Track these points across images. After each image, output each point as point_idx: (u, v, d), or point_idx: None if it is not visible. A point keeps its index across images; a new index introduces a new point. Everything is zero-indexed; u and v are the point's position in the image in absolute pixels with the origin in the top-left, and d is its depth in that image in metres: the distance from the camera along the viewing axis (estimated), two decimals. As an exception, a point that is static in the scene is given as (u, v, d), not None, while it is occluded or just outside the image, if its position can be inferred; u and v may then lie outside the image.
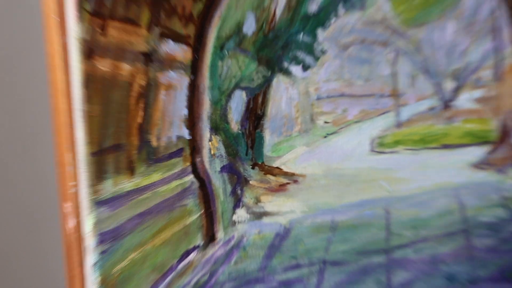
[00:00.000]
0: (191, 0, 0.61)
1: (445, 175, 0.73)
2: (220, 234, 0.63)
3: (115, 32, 0.58)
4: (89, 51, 0.57)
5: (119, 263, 0.58)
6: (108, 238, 0.58)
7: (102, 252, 0.57)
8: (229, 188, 0.64)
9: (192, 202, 0.62)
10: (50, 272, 1.09)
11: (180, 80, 0.61)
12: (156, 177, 0.60)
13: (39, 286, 1.13)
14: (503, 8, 0.76)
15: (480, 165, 0.76)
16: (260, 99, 0.65)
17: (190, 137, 0.62)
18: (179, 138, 0.61)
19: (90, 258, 0.57)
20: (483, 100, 0.76)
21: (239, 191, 0.64)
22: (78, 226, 0.59)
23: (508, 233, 0.76)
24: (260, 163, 0.65)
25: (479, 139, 0.75)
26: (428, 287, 0.72)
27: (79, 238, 0.60)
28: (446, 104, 0.74)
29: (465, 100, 0.75)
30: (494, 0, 0.75)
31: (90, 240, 0.57)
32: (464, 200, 0.74)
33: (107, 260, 0.57)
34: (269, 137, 0.66)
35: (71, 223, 0.60)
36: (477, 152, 0.75)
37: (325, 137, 0.68)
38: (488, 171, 0.76)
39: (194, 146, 0.62)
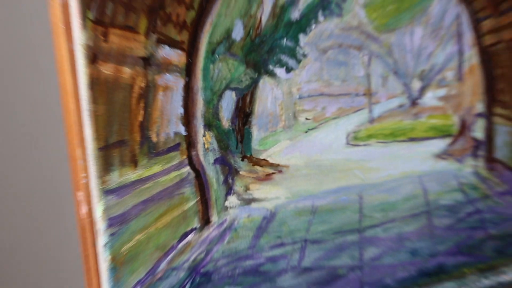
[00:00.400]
0: (184, 8, 0.61)
1: (411, 165, 0.74)
2: (214, 218, 0.64)
3: (116, 39, 0.58)
4: (93, 56, 0.57)
5: (127, 243, 0.59)
6: (116, 222, 0.58)
7: (111, 235, 0.58)
8: (221, 178, 0.64)
9: (189, 190, 0.63)
10: (67, 252, 1.08)
11: (176, 82, 0.61)
12: (156, 168, 0.61)
13: (58, 265, 1.13)
14: (465, 15, 0.76)
15: (442, 155, 0.77)
16: (248, 99, 0.65)
17: (186, 133, 0.62)
18: (176, 134, 0.62)
19: (101, 239, 0.58)
20: (446, 98, 0.76)
21: (230, 180, 0.65)
22: (90, 212, 0.60)
23: (464, 214, 0.78)
24: (248, 155, 0.66)
25: (441, 133, 0.76)
26: (395, 261, 0.73)
27: (91, 223, 0.60)
28: (413, 102, 0.75)
29: (430, 98, 0.75)
30: (457, 8, 0.75)
31: (100, 224, 0.58)
32: (427, 186, 0.76)
33: (116, 241, 0.58)
34: (256, 133, 0.66)
35: (83, 210, 0.60)
36: (439, 144, 0.76)
37: (306, 132, 0.68)
38: (448, 161, 0.77)
39: (190, 141, 0.63)
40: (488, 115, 0.79)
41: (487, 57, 0.78)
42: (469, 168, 0.78)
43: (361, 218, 0.71)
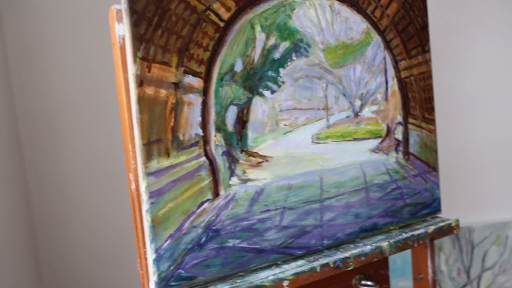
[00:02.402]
0: (202, 50, 0.59)
1: (355, 156, 0.71)
2: (222, 192, 0.61)
3: (156, 70, 0.55)
4: (140, 82, 0.54)
5: (162, 209, 0.55)
6: (155, 195, 0.55)
7: (151, 203, 0.55)
8: (227, 164, 0.61)
9: (204, 173, 0.59)
10: (123, 215, 1.07)
11: (196, 99, 0.58)
12: (182, 158, 0.57)
13: (116, 224, 1.12)
14: (389, 58, 0.75)
15: (375, 150, 0.74)
16: (245, 111, 0.63)
17: (203, 134, 0.59)
18: (196, 134, 0.58)
19: (145, 206, 0.55)
20: (377, 112, 0.74)
21: (233, 166, 0.62)
22: (137, 188, 0.57)
23: (390, 189, 0.75)
24: (245, 149, 0.63)
25: (374, 135, 0.74)
26: (344, 221, 0.70)
27: (138, 195, 0.58)
28: (356, 114, 0.72)
29: (367, 112, 0.73)
30: (383, 52, 0.74)
31: (144, 196, 0.55)
32: (365, 170, 0.73)
33: (154, 208, 0.55)
34: (251, 134, 0.63)
35: (133, 186, 0.58)
36: (374, 143, 0.73)
37: (284, 134, 0.65)
38: (379, 154, 0.75)
39: (205, 140, 0.59)
40: (404, 123, 0.77)
41: (403, 85, 0.77)
42: (393, 159, 0.76)
43: (321, 192, 0.68)
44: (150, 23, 0.55)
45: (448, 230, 0.78)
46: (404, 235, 0.73)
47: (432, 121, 0.79)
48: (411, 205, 0.78)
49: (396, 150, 0.76)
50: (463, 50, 1.23)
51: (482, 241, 1.26)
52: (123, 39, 0.57)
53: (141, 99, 0.54)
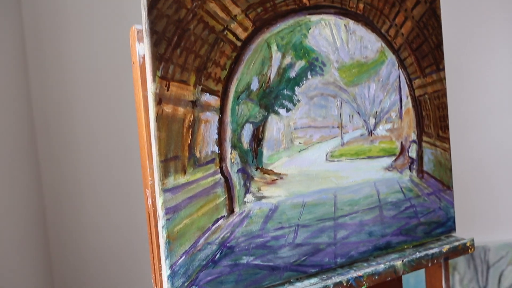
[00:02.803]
0: (220, 69, 0.60)
1: (369, 174, 0.72)
2: (237, 209, 0.62)
3: (174, 88, 0.56)
4: (159, 100, 0.55)
5: (177, 225, 0.56)
6: (171, 211, 0.56)
7: (168, 219, 0.55)
8: (242, 182, 0.62)
9: (220, 190, 0.60)
10: (139, 230, 1.08)
11: (213, 117, 0.59)
12: (199, 175, 0.58)
13: (132, 238, 1.13)
14: (403, 76, 0.75)
15: (389, 168, 0.74)
16: (261, 129, 0.63)
17: (219, 151, 0.60)
18: (212, 152, 0.59)
19: (161, 222, 0.55)
20: (391, 130, 0.74)
21: (248, 184, 0.62)
22: (154, 203, 0.58)
23: (404, 207, 0.75)
24: (260, 167, 0.63)
25: (388, 153, 0.74)
26: (357, 239, 0.70)
27: (155, 211, 0.58)
28: (370, 132, 0.72)
29: (381, 130, 0.73)
30: (398, 71, 0.75)
31: (160, 212, 0.55)
32: (379, 188, 0.73)
33: (170, 224, 0.55)
34: (266, 152, 0.63)
35: (150, 202, 0.59)
36: (387, 161, 0.74)
37: (299, 151, 0.66)
38: (393, 172, 0.75)
39: (221, 157, 0.60)
40: (418, 141, 0.77)
41: (417, 103, 0.77)
42: (406, 177, 0.76)
43: (335, 210, 0.68)
44: (169, 43, 0.56)
45: (463, 249, 0.77)
46: (418, 254, 0.73)
47: (446, 139, 0.79)
48: (425, 223, 0.77)
49: (410, 168, 0.76)
50: (478, 68, 1.23)
51: (498, 261, 1.24)
52: (143, 58, 0.58)
53: (159, 117, 0.55)
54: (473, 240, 0.78)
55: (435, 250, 0.74)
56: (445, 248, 0.75)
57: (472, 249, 0.78)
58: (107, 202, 1.11)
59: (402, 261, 0.71)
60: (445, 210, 0.79)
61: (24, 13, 1.08)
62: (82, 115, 1.10)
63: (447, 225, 0.80)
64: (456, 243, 0.77)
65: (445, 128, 0.79)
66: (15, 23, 1.06)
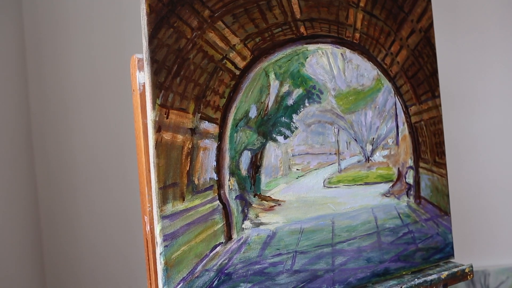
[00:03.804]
0: (219, 97, 0.61)
1: (366, 200, 0.72)
2: (234, 236, 0.61)
3: (173, 116, 0.57)
4: (159, 127, 0.56)
5: (175, 252, 0.56)
6: (169, 238, 0.56)
7: (165, 246, 0.55)
8: (240, 208, 0.62)
9: (218, 217, 0.60)
10: (136, 257, 1.07)
11: (211, 145, 0.60)
12: (197, 202, 0.58)
13: (129, 265, 1.11)
14: (399, 103, 0.76)
15: (386, 194, 0.75)
16: (259, 156, 0.64)
17: (217, 178, 0.60)
18: (211, 179, 0.60)
19: (159, 249, 0.55)
20: (388, 156, 0.75)
21: (246, 210, 0.63)
22: (152, 230, 0.58)
23: (401, 233, 0.75)
24: (258, 193, 0.64)
25: (385, 179, 0.74)
26: (356, 266, 0.70)
27: (153, 237, 0.58)
28: (367, 159, 0.73)
29: (378, 156, 0.74)
30: (394, 98, 0.76)
31: (158, 239, 0.55)
32: (377, 214, 0.73)
33: (168, 251, 0.55)
34: (264, 178, 0.64)
35: (148, 228, 0.59)
36: (385, 187, 0.74)
37: (297, 178, 0.66)
38: (390, 198, 0.75)
39: (220, 184, 0.60)
40: (415, 167, 0.77)
41: (413, 130, 0.77)
42: (404, 203, 0.76)
43: (333, 236, 0.68)
44: (169, 72, 0.57)
45: (462, 276, 0.77)
46: (417, 281, 0.72)
47: (443, 165, 0.80)
48: (424, 249, 0.76)
49: (407, 194, 0.76)
50: (473, 94, 1.24)
51: (498, 286, 1.22)
52: (143, 86, 0.59)
53: (158, 144, 0.56)
54: (471, 266, 0.78)
55: (434, 276, 0.74)
56: (444, 274, 0.75)
57: (471, 275, 0.77)
58: (106, 229, 1.11)
59: (401, 287, 0.70)
60: (443, 235, 0.79)
61: (26, 37, 1.09)
62: (82, 142, 1.11)
63: (445, 251, 0.79)
64: (455, 269, 0.76)
65: (442, 154, 0.80)
66: (18, 50, 1.08)
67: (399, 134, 0.76)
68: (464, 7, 1.22)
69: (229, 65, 0.61)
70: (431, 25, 0.79)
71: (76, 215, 1.10)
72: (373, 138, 0.73)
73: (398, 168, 0.75)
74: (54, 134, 1.11)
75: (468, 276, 0.77)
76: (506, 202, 1.26)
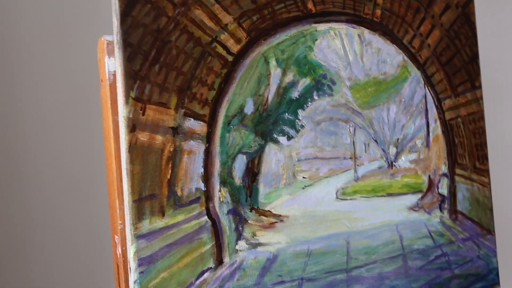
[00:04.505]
0: (207, 89, 0.61)
1: (389, 215, 0.72)
2: (226, 259, 0.62)
3: (151, 112, 0.57)
4: (133, 126, 0.56)
5: (153, 280, 0.56)
6: (145, 262, 0.55)
7: (141, 272, 0.55)
8: (233, 225, 0.62)
9: (206, 236, 0.60)
10: (104, 285, 1.07)
11: (198, 147, 0.60)
12: (180, 217, 0.58)
13: None
14: (430, 96, 0.77)
15: (414, 208, 0.75)
16: (256, 161, 0.64)
17: (205, 189, 0.60)
18: (197, 189, 0.60)
19: (132, 276, 0.55)
20: (416, 162, 0.75)
21: (240, 228, 0.63)
22: (124, 253, 0.58)
23: (433, 256, 0.75)
24: (256, 207, 0.64)
25: (413, 189, 0.74)
26: (377, 296, 0.71)
27: (125, 262, 0.58)
28: (390, 164, 0.73)
29: (404, 161, 0.74)
30: (423, 90, 0.76)
31: (132, 263, 0.55)
32: (402, 233, 0.73)
33: (144, 278, 0.55)
34: (262, 188, 0.64)
35: (119, 250, 0.59)
36: (412, 199, 0.74)
37: (303, 188, 0.67)
38: (419, 212, 0.75)
39: (208, 195, 0.61)
40: (450, 175, 0.78)
41: (448, 128, 0.78)
42: (436, 218, 0.76)
43: (348, 260, 0.68)
44: (146, 58, 0.58)
45: (509, 309, 0.77)
46: (453, 315, 0.73)
47: (485, 172, 0.80)
48: (461, 276, 0.77)
49: (441, 208, 0.76)
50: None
51: (554, 321, 1.22)
52: (114, 75, 0.59)
53: (132, 147, 0.56)
54: (521, 297, 0.78)
55: (474, 310, 0.74)
56: (486, 307, 0.75)
57: (521, 308, 0.78)
58: (67, 252, 1.10)
59: (433, 324, 0.71)
60: (485, 259, 0.79)
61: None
62: (36, 145, 1.11)
63: (488, 278, 0.79)
64: (500, 301, 0.77)
65: (484, 158, 0.80)
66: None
67: (430, 134, 0.76)
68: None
69: (219, 49, 0.62)
70: (470, -1, 0.80)
71: (29, 233, 1.11)
72: (398, 139, 0.74)
73: (429, 176, 0.76)
74: (4, 133, 1.11)
75: (516, 310, 0.78)
76: None
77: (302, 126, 0.67)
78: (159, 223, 0.57)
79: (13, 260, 1.10)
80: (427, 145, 0.76)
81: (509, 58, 1.23)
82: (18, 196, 1.10)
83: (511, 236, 1.20)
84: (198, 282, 0.60)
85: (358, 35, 0.71)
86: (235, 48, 0.63)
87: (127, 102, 0.56)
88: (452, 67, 0.78)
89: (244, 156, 0.63)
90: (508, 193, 1.21)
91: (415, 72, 0.75)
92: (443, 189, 0.77)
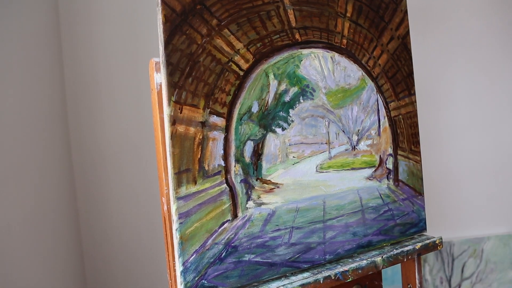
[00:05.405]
0: (225, 95, 0.58)
1: (353, 183, 0.69)
2: (240, 214, 0.59)
3: (186, 111, 0.54)
4: (173, 121, 0.53)
5: (189, 228, 0.53)
6: (183, 216, 0.53)
7: (180, 223, 0.53)
8: (244, 190, 0.60)
9: (225, 198, 0.58)
10: (156, 233, 1.06)
11: (219, 136, 0.57)
12: (207, 185, 0.56)
13: (150, 240, 1.10)
14: (381, 100, 0.74)
15: (370, 178, 0.72)
16: (260, 145, 0.61)
17: (224, 165, 0.57)
18: (219, 165, 0.57)
19: (175, 225, 0.53)
20: (371, 146, 0.72)
21: (249, 192, 0.60)
22: (169, 209, 0.56)
23: (382, 211, 0.72)
24: (260, 178, 0.61)
25: (369, 165, 0.72)
26: (343, 239, 0.67)
27: (169, 216, 0.56)
28: (353, 147, 0.70)
29: (363, 145, 0.71)
30: (376, 95, 0.73)
31: (174, 217, 0.53)
32: (362, 195, 0.70)
33: (183, 227, 0.53)
34: (265, 165, 0.61)
35: (165, 208, 0.57)
36: (368, 171, 0.71)
37: (293, 164, 0.64)
38: (373, 181, 0.72)
39: (226, 169, 0.58)
40: (394, 155, 0.75)
41: (393, 122, 0.75)
42: (384, 185, 0.73)
43: (324, 214, 0.66)
44: (182, 73, 0.55)
45: (433, 246, 0.75)
46: (395, 251, 0.70)
47: (418, 153, 0.77)
48: (401, 225, 0.74)
49: (388, 178, 0.74)
50: (442, 92, 1.22)
51: (461, 254, 1.21)
52: (160, 85, 0.57)
53: (173, 136, 0.54)
54: (441, 238, 0.76)
55: (410, 247, 0.72)
56: (418, 245, 0.73)
57: (441, 246, 0.75)
58: (130, 208, 1.10)
59: (382, 257, 0.68)
60: (417, 213, 0.77)
61: (63, 44, 1.07)
62: (112, 133, 1.10)
63: (419, 226, 0.77)
64: (427, 241, 0.74)
65: (417, 143, 0.77)
66: (56, 54, 1.05)
67: (381, 126, 0.73)
68: (435, 18, 1.21)
69: (234, 67, 0.59)
70: (407, 33, 0.76)
71: (108, 195, 1.09)
72: (358, 130, 0.71)
73: (380, 156, 0.73)
74: (88, 127, 1.09)
75: (438, 247, 0.75)
76: (469, 184, 1.24)
77: (292, 121, 0.64)
78: (193, 189, 0.55)
79: (98, 211, 1.09)
80: (379, 134, 0.73)
81: (434, 74, 1.21)
82: (99, 169, 1.09)
83: (434, 196, 1.18)
84: (220, 229, 0.57)
85: (331, 57, 0.68)
86: (245, 66, 0.60)
87: (169, 104, 0.53)
88: (396, 80, 0.75)
89: (252, 142, 0.60)
90: (432, 167, 1.19)
91: (370, 83, 0.72)
92: (389, 164, 0.74)
